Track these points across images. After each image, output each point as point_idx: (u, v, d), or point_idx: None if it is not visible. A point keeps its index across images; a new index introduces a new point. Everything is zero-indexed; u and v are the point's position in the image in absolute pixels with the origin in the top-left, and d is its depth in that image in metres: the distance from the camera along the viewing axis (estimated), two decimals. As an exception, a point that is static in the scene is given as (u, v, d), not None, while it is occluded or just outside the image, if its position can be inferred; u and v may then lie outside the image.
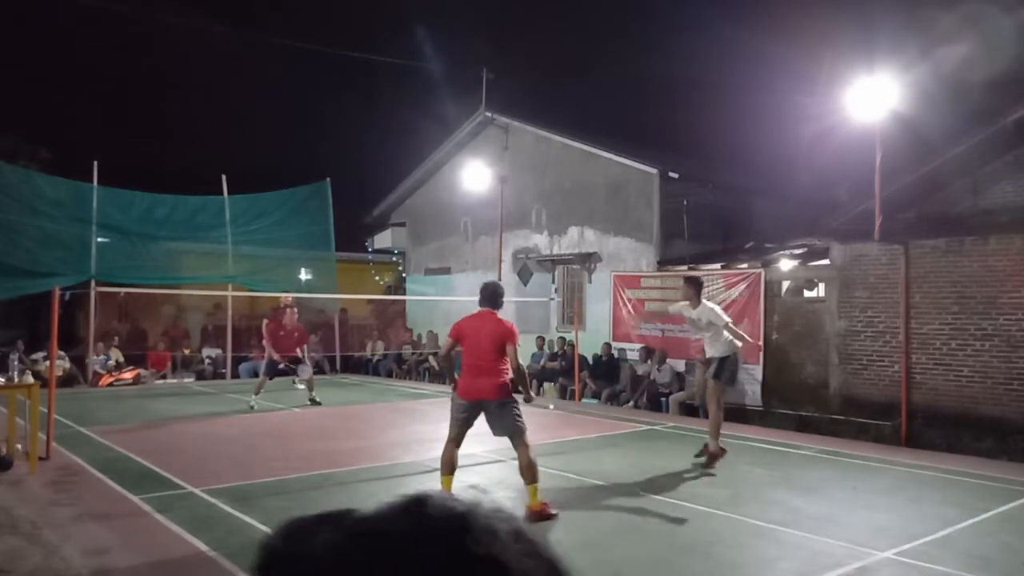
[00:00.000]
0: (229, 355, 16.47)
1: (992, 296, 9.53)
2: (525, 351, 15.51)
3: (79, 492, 6.27)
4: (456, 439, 5.88)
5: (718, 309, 7.96)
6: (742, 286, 12.36)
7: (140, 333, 17.49)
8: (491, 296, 6.00)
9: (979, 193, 9.99)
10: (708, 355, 7.89)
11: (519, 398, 5.96)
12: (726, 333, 7.70)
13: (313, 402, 11.90)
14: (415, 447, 8.44)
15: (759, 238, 14.31)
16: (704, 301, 7.96)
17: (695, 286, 7.99)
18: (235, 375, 16.26)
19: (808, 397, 11.36)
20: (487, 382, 5.69)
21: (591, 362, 14.11)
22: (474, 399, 5.73)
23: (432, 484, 6.75)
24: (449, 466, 5.89)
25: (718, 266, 13.09)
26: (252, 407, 11.31)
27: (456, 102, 19.15)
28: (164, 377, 15.68)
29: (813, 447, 8.73)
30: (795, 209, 14.65)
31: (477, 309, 6.05)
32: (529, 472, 5.64)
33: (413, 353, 18.07)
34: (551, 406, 11.85)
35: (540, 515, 5.50)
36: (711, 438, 7.73)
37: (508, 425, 5.71)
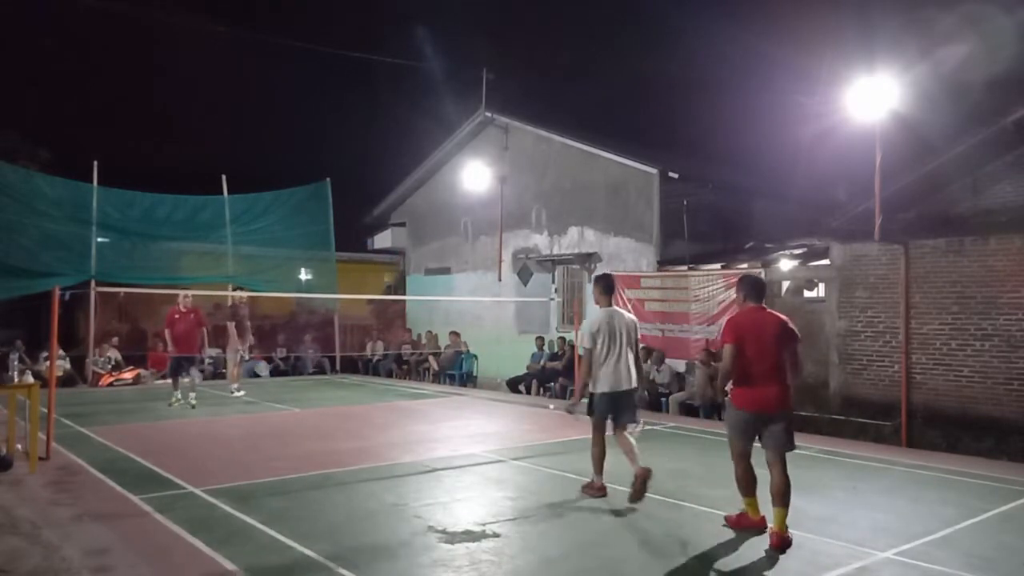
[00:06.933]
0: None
1: (992, 296, 9.54)
2: (525, 351, 15.55)
3: (79, 492, 6.26)
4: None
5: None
6: (742, 286, 12.34)
7: (140, 333, 17.49)
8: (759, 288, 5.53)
9: (979, 193, 10.00)
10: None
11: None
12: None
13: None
14: (415, 447, 8.44)
15: (759, 238, 14.31)
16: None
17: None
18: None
19: (808, 397, 11.34)
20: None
21: (591, 362, 14.08)
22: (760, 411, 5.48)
23: (432, 483, 6.77)
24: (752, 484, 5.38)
25: (718, 266, 13.10)
26: (193, 405, 11.33)
27: (456, 102, 19.19)
28: (164, 377, 15.66)
29: (813, 447, 8.71)
30: (795, 209, 14.64)
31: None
32: (783, 495, 5.10)
33: (413, 353, 18.08)
34: (551, 406, 11.85)
35: (782, 540, 4.98)
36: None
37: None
